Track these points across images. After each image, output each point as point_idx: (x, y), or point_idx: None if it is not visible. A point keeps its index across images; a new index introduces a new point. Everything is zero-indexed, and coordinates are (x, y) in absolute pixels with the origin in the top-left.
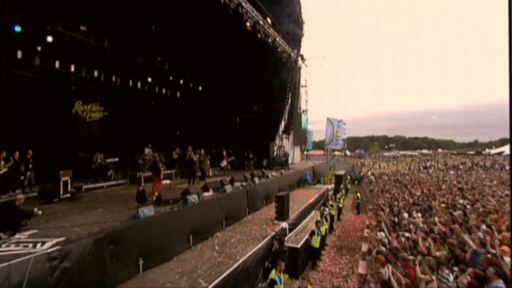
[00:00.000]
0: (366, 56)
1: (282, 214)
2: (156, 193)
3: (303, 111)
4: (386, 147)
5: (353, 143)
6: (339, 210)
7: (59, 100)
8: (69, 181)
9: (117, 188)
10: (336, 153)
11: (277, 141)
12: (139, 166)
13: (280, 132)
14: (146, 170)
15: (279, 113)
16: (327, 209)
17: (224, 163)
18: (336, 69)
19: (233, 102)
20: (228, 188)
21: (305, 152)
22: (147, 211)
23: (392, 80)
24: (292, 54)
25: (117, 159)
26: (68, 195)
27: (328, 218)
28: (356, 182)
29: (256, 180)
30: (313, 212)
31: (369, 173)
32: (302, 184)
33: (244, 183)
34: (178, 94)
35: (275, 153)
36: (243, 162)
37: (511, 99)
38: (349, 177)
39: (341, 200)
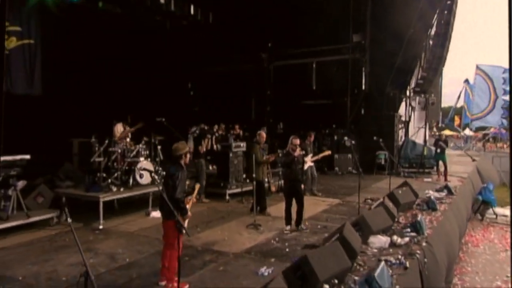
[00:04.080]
0: None
1: None
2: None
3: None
4: None
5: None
6: None
7: None
8: None
9: (23, 241)
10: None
11: (404, 112)
12: (93, 173)
13: (410, 93)
14: (119, 185)
15: (412, 52)
16: None
17: (308, 162)
18: None
19: (307, 30)
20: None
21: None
22: None
23: None
24: None
25: (28, 157)
26: None
27: None
28: None
29: (424, 228)
30: None
31: None
32: (475, 211)
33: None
34: (197, 14)
35: (403, 139)
36: (331, 159)
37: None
38: None
39: None
